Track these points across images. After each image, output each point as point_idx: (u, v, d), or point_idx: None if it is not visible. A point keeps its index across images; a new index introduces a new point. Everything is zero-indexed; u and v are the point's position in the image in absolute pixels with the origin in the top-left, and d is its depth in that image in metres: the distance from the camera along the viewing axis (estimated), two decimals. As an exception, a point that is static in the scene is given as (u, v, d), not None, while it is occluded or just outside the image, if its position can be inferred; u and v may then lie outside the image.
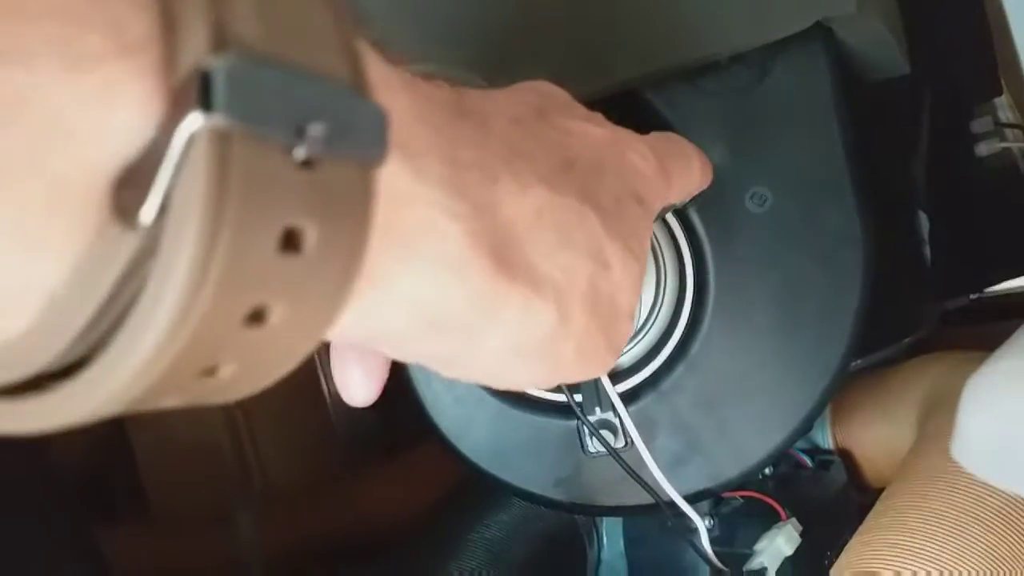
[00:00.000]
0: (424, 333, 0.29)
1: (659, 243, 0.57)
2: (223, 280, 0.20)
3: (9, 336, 0.21)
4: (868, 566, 0.55)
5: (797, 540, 0.60)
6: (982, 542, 0.53)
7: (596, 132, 0.36)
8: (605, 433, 0.56)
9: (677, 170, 0.41)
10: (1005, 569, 0.52)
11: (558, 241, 0.32)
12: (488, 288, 0.29)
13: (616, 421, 0.57)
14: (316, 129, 0.21)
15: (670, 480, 0.55)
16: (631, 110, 0.56)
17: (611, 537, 0.70)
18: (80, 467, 0.92)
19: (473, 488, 0.72)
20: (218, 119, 0.20)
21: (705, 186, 0.47)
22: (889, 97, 0.70)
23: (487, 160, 0.30)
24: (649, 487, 0.55)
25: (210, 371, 0.22)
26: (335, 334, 0.27)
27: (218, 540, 0.89)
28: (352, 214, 0.23)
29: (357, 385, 0.36)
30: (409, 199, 0.26)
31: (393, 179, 0.25)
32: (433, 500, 0.76)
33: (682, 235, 0.57)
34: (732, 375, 0.57)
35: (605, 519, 0.70)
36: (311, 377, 1.00)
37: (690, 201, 0.55)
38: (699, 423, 0.58)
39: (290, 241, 0.22)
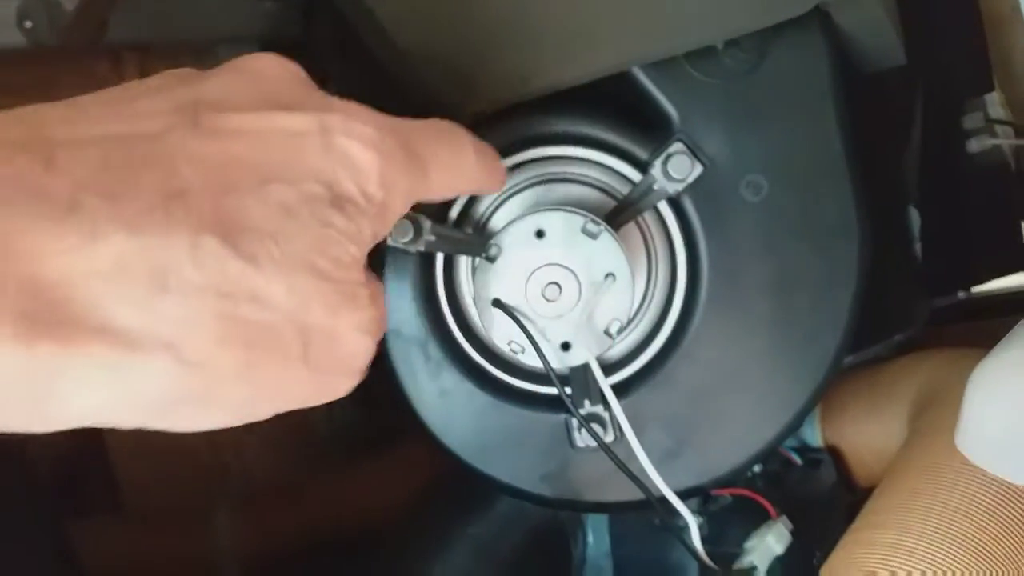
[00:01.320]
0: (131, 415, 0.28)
1: (650, 232, 0.56)
2: None
3: None
4: (860, 564, 0.54)
5: (788, 538, 0.59)
6: (974, 540, 0.52)
7: (287, 124, 0.32)
8: (594, 427, 0.55)
9: (434, 155, 0.37)
10: (997, 568, 0.52)
11: (153, 290, 0.28)
12: (24, 361, 0.26)
13: (606, 415, 0.56)
14: None
15: (660, 475, 0.54)
16: (626, 93, 0.55)
17: (597, 536, 0.68)
18: (53, 461, 0.89)
19: (457, 484, 0.70)
20: None
21: (492, 188, 0.44)
22: (882, 92, 0.69)
23: (19, 213, 0.26)
24: (639, 482, 0.53)
25: None
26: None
27: (194, 537, 0.87)
28: None
29: None
30: None
31: None
32: (415, 497, 0.75)
33: (675, 224, 0.56)
34: (724, 368, 0.56)
35: (590, 517, 0.69)
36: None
37: (684, 189, 0.54)
38: (690, 417, 0.56)
39: None
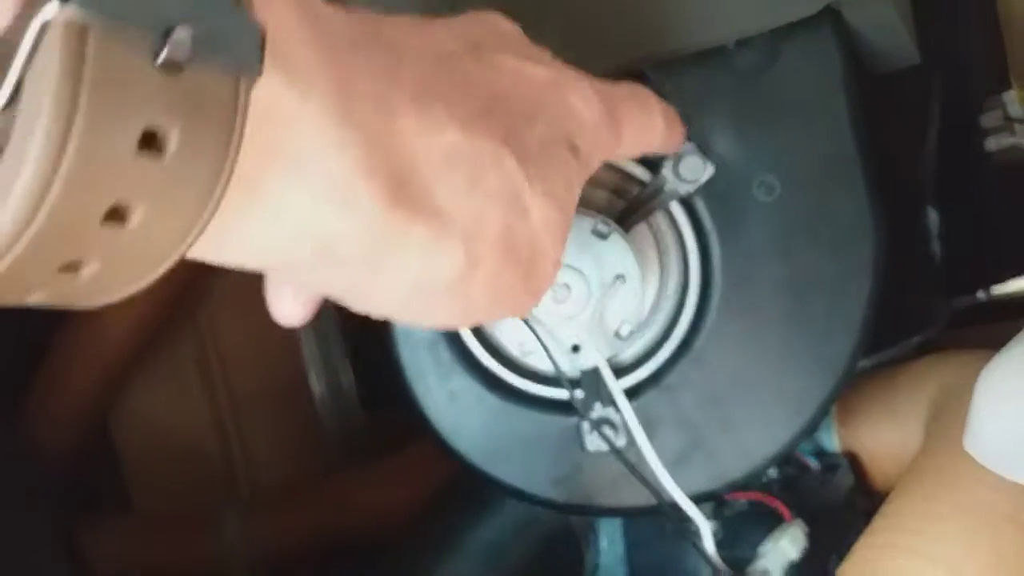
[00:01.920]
0: (321, 261, 0.29)
1: (661, 231, 0.56)
2: (75, 175, 0.20)
3: None
4: (875, 568, 0.53)
5: (803, 543, 0.58)
6: (991, 547, 0.52)
7: (535, 72, 0.36)
8: (606, 430, 0.54)
9: (630, 121, 0.40)
10: (1013, 574, 0.51)
11: (469, 184, 0.31)
12: (383, 221, 0.29)
13: (617, 418, 0.55)
14: (182, 34, 0.21)
15: (672, 479, 0.53)
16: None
17: (611, 541, 0.67)
18: (62, 464, 0.89)
19: (466, 488, 0.69)
20: (73, 10, 0.19)
21: (673, 147, 0.47)
22: (898, 90, 0.69)
23: (390, 94, 0.29)
24: (651, 486, 0.53)
25: (72, 267, 0.22)
26: (237, 260, 0.28)
27: (203, 541, 0.87)
28: (218, 122, 0.23)
29: (288, 308, 0.37)
30: (295, 120, 0.26)
31: (277, 97, 0.25)
32: (423, 502, 0.74)
33: (687, 225, 0.55)
34: (737, 371, 0.55)
35: (603, 523, 0.68)
36: (299, 377, 0.98)
37: (696, 190, 0.54)
38: (703, 421, 0.56)
39: (150, 142, 0.22)
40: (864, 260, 0.54)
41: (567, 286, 0.50)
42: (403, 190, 0.29)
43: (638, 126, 0.42)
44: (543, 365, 0.55)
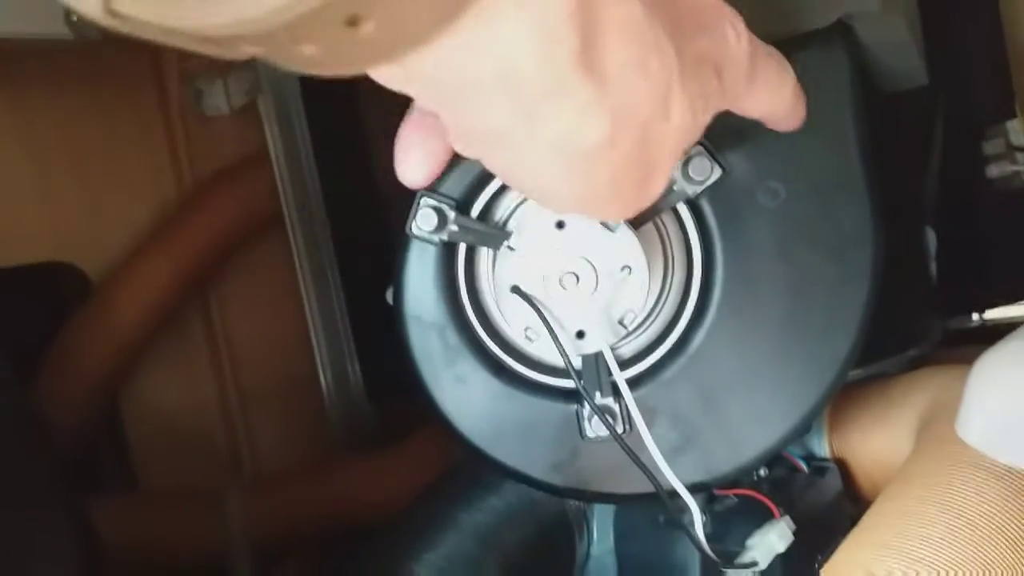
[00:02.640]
0: (495, 92, 0.30)
1: (668, 232, 0.57)
2: None
3: None
4: (860, 564, 0.54)
5: (790, 537, 0.60)
6: (976, 547, 0.53)
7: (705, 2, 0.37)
8: (605, 417, 0.56)
9: (765, 77, 0.42)
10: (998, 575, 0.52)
11: (637, 61, 0.32)
12: (566, 68, 0.30)
13: (616, 407, 0.57)
14: None
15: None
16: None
17: (601, 531, 0.69)
18: (71, 442, 0.91)
19: (464, 473, 0.71)
20: None
21: (791, 123, 0.47)
22: (903, 112, 0.70)
23: None
24: (648, 472, 0.55)
25: (354, 20, 0.24)
26: (428, 71, 0.29)
27: (206, 520, 0.88)
28: None
29: (416, 164, 0.38)
30: None
31: None
32: (423, 488, 0.76)
33: (692, 225, 0.57)
34: (734, 369, 0.57)
35: (597, 513, 0.70)
36: (308, 364, 0.99)
37: (703, 191, 0.56)
38: (698, 415, 0.57)
39: None
40: (863, 267, 0.56)
41: (575, 274, 0.52)
42: (590, 47, 0.30)
43: (770, 86, 0.43)
44: (547, 353, 0.56)
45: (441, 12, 0.26)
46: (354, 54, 0.26)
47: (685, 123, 0.35)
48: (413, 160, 0.38)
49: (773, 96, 0.44)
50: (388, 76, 0.30)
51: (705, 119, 0.37)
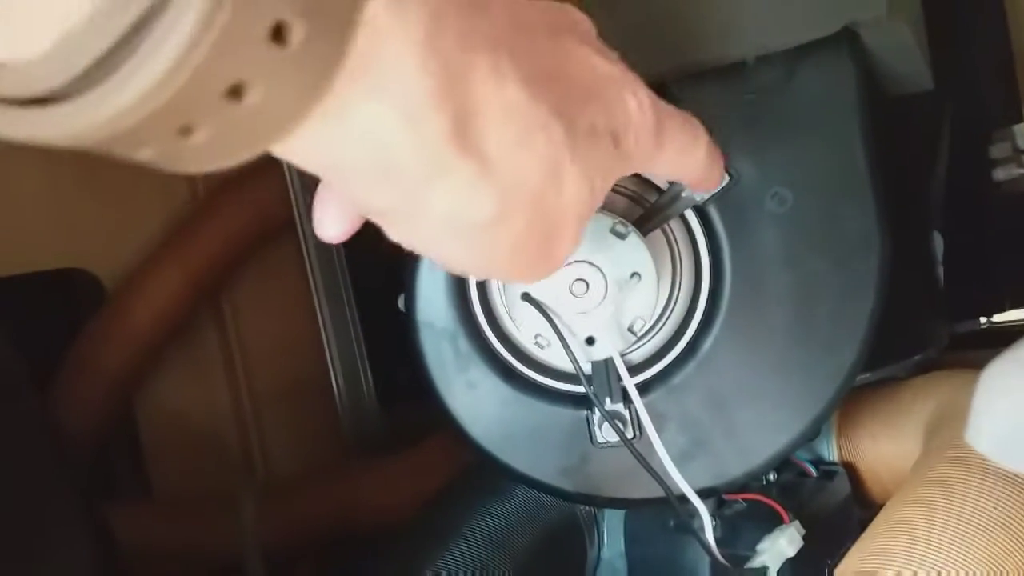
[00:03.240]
0: (372, 175, 0.31)
1: (676, 239, 0.58)
2: (214, 48, 0.24)
3: (30, 58, 0.24)
4: (871, 569, 0.55)
5: (800, 542, 0.61)
6: (985, 552, 0.53)
7: (600, 64, 0.38)
8: (615, 423, 0.57)
9: (673, 139, 0.42)
10: None
11: (518, 141, 0.33)
12: (438, 149, 0.30)
13: (626, 413, 0.57)
14: None
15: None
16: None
17: (612, 535, 0.70)
18: (86, 446, 0.92)
19: (476, 478, 0.72)
20: None
21: (708, 185, 0.48)
22: (910, 116, 0.71)
23: (473, 35, 0.31)
24: (658, 477, 0.55)
25: (187, 130, 0.25)
26: (298, 157, 0.30)
27: (218, 525, 0.89)
28: (338, 26, 0.26)
29: (330, 221, 0.39)
30: (389, 36, 0.28)
31: (378, 13, 0.28)
32: (438, 492, 0.76)
33: (700, 232, 0.57)
34: (742, 374, 0.58)
35: (607, 517, 0.70)
36: (321, 369, 1.00)
37: (711, 198, 0.56)
38: (707, 420, 0.58)
39: (279, 34, 0.25)
40: (870, 273, 0.56)
41: (585, 281, 0.53)
42: (463, 128, 0.31)
43: (680, 148, 0.43)
44: (557, 359, 0.57)
45: (280, 120, 0.27)
46: (194, 158, 0.27)
47: (581, 194, 0.36)
48: (328, 219, 0.39)
49: (685, 158, 0.44)
50: (277, 151, 0.30)
51: (605, 186, 0.38)
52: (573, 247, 0.39)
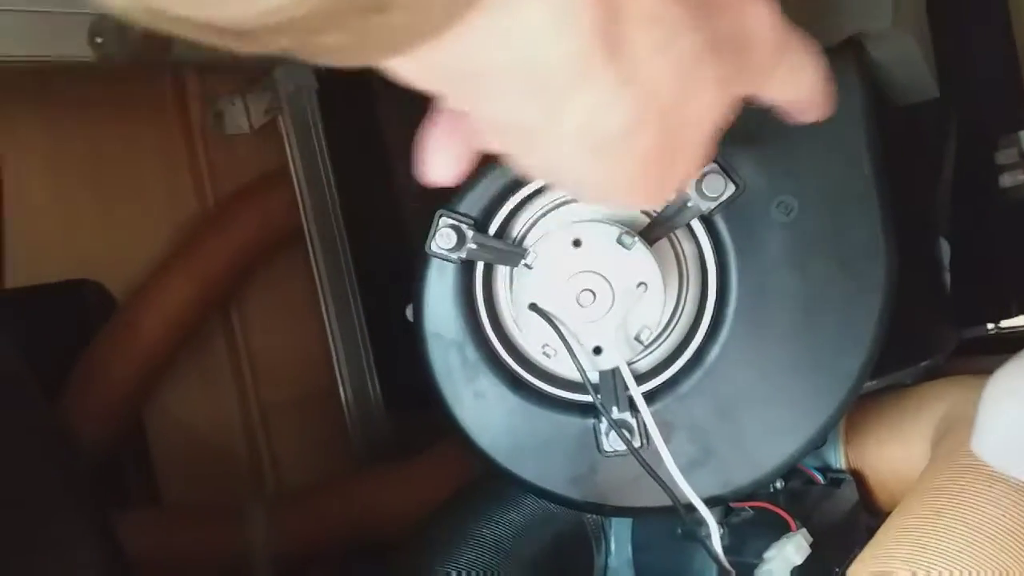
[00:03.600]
0: (516, 83, 0.30)
1: (682, 248, 0.58)
2: None
3: None
4: (878, 572, 0.55)
5: (807, 550, 0.61)
6: (993, 560, 0.53)
7: None
8: (623, 432, 0.57)
9: (790, 62, 0.40)
10: None
11: (662, 44, 0.32)
12: (586, 51, 0.30)
13: (633, 422, 0.58)
14: None
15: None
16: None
17: (619, 543, 0.70)
18: (96, 455, 0.92)
19: (484, 486, 0.72)
20: None
21: (820, 110, 0.46)
22: (916, 123, 0.71)
23: None
24: (666, 486, 0.55)
25: (381, 7, 0.25)
26: (443, 64, 0.29)
27: (229, 534, 0.89)
28: None
29: (443, 162, 0.38)
30: None
31: None
32: (443, 500, 0.77)
33: (707, 241, 0.58)
34: (750, 382, 0.58)
35: (614, 525, 0.70)
36: (329, 379, 1.00)
37: (716, 207, 0.57)
38: (714, 429, 0.58)
39: None
40: (876, 281, 0.56)
41: (592, 291, 0.53)
42: (612, 29, 0.30)
43: (795, 71, 0.41)
44: (564, 368, 0.57)
45: (451, 6, 0.26)
46: (377, 42, 0.26)
47: (713, 108, 0.35)
48: (441, 160, 0.38)
49: (797, 82, 0.42)
50: (410, 71, 0.30)
51: (734, 100, 0.36)
52: (698, 167, 0.37)
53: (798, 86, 0.43)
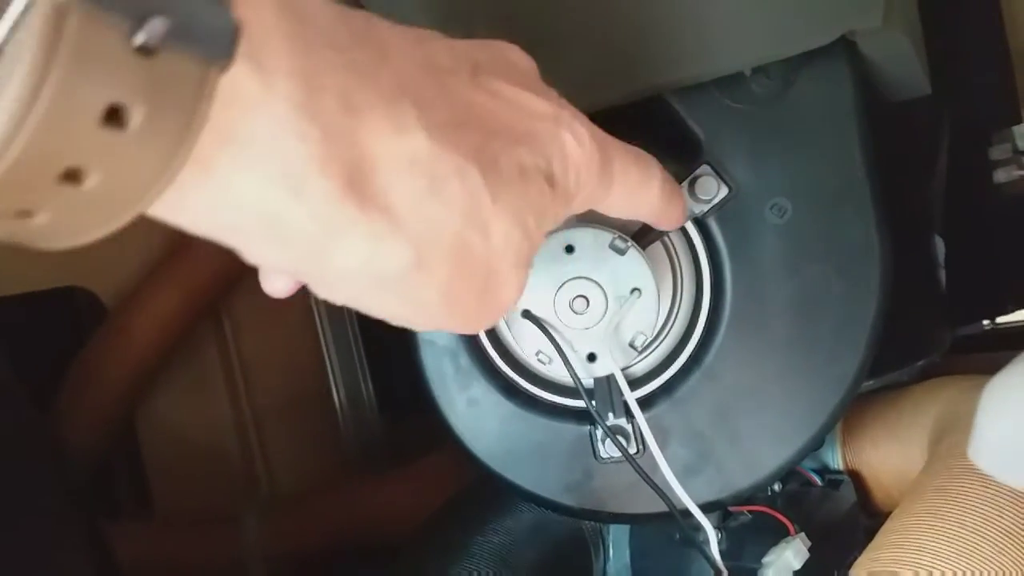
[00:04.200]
0: (265, 239, 0.31)
1: (676, 251, 0.58)
2: (37, 134, 0.23)
3: None
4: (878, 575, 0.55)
5: (805, 554, 0.60)
6: (993, 561, 0.53)
7: (532, 103, 0.37)
8: (618, 439, 0.56)
9: (625, 178, 0.41)
10: None
11: (428, 192, 0.32)
12: (332, 210, 0.30)
13: (629, 427, 0.57)
14: (158, 23, 0.23)
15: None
16: (656, 117, 0.56)
17: (617, 550, 0.69)
18: (88, 463, 0.92)
19: (480, 494, 0.71)
20: None
21: (669, 223, 0.48)
22: (909, 120, 0.70)
23: (360, 91, 0.30)
24: (662, 493, 0.55)
25: (25, 213, 0.24)
26: (182, 223, 0.29)
27: (222, 541, 0.89)
28: (183, 106, 0.25)
29: (270, 277, 0.38)
30: (256, 107, 0.28)
31: (242, 84, 0.27)
32: (440, 505, 0.76)
33: (701, 244, 0.57)
34: (746, 385, 0.57)
35: (612, 530, 0.70)
36: (322, 384, 1.00)
37: (709, 210, 0.56)
38: (712, 433, 0.58)
39: (115, 116, 0.24)
40: (871, 281, 0.56)
41: (585, 298, 0.53)
42: (357, 185, 0.30)
43: (633, 185, 0.42)
44: (559, 374, 0.57)
45: (130, 199, 0.26)
46: (87, 215, 0.26)
47: (511, 237, 0.35)
48: (272, 275, 0.38)
49: (636, 196, 0.43)
50: (179, 222, 0.30)
51: (543, 228, 0.37)
52: (518, 292, 0.38)
53: (639, 202, 0.44)
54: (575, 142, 0.38)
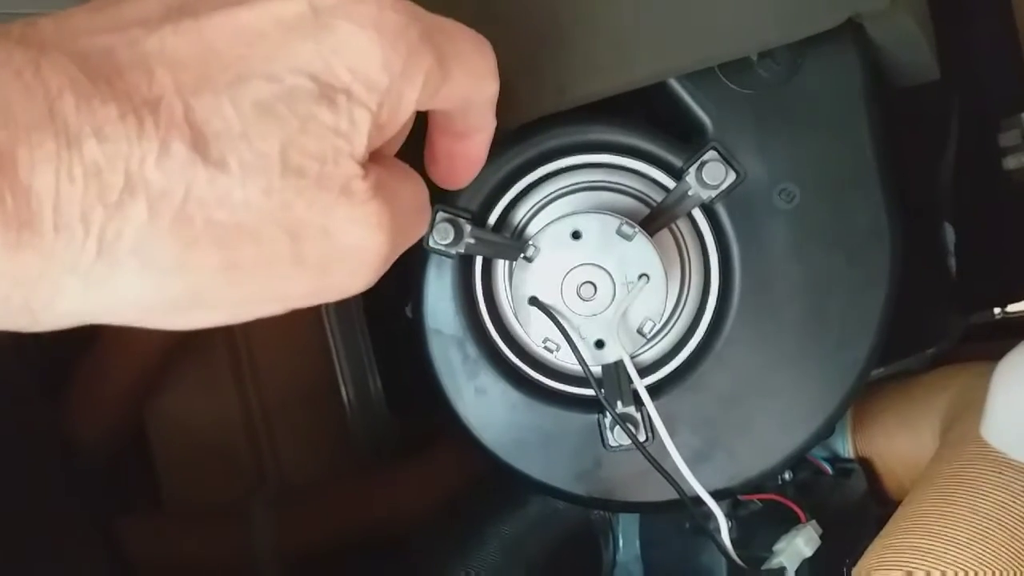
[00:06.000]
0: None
1: (684, 238, 0.57)
2: None
3: None
4: (889, 566, 0.54)
5: (817, 542, 0.60)
6: (1005, 547, 0.53)
7: (273, 9, 0.31)
8: (627, 426, 0.56)
9: (460, 58, 0.35)
10: None
11: (124, 195, 0.29)
12: (11, 266, 0.28)
13: (638, 416, 0.57)
14: None
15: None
16: (662, 103, 0.56)
17: (627, 539, 0.69)
18: (98, 458, 0.92)
19: (489, 485, 0.71)
20: None
21: (486, 88, 0.40)
22: (917, 106, 0.70)
23: (16, 114, 0.27)
24: (673, 480, 0.55)
25: None
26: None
27: (232, 536, 0.89)
28: None
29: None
30: None
31: None
32: (448, 499, 0.76)
33: (708, 230, 0.57)
34: (756, 372, 0.57)
35: (621, 521, 0.70)
36: (329, 378, 1.00)
37: (717, 195, 0.56)
38: (721, 420, 0.57)
39: None
40: (880, 267, 0.56)
41: (592, 284, 0.52)
42: (27, 230, 0.28)
43: (472, 67, 0.36)
44: (567, 362, 0.56)
45: None
46: None
47: (298, 190, 0.31)
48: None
49: (479, 77, 0.38)
50: None
51: (348, 150, 0.31)
52: (373, 232, 0.33)
53: (485, 81, 0.39)
54: (356, 26, 0.31)
